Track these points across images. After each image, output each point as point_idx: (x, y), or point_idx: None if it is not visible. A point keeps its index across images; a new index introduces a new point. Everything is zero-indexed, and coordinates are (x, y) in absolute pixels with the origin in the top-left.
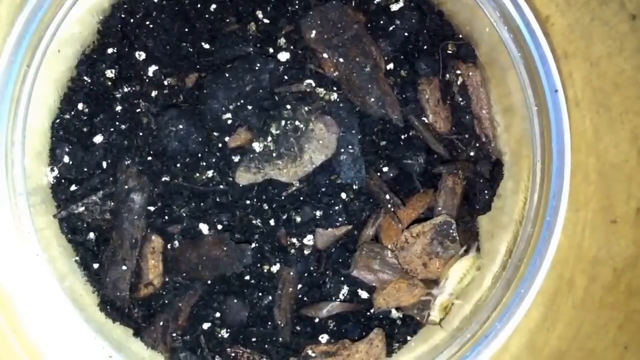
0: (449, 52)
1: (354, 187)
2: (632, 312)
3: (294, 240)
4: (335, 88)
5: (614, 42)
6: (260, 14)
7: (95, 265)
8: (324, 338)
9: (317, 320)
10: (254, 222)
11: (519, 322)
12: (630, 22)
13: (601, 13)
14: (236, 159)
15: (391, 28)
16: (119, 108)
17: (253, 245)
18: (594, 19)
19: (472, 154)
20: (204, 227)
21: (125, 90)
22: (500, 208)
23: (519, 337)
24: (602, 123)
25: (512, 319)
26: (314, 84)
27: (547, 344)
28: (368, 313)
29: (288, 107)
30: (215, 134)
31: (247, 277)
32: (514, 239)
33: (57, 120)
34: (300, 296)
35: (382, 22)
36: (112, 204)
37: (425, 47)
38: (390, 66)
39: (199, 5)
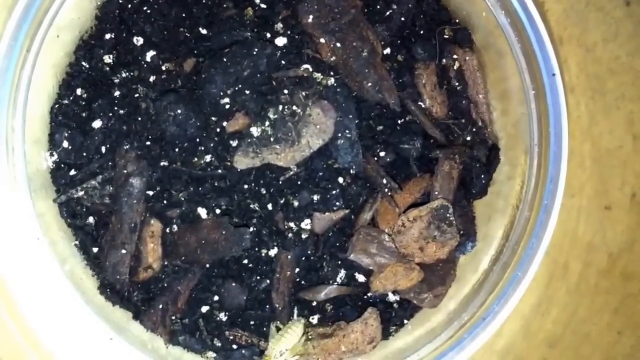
0: (445, 36)
1: (351, 171)
2: (627, 296)
3: (292, 224)
4: (332, 73)
5: (609, 28)
6: None
7: (95, 249)
8: (314, 319)
9: (314, 303)
10: (252, 206)
11: (515, 305)
12: (625, 8)
13: None
14: (234, 143)
15: (388, 13)
16: (117, 93)
17: (251, 229)
18: (588, 5)
19: (468, 138)
20: (202, 212)
21: (124, 75)
22: (497, 192)
23: (513, 323)
24: (597, 109)
25: (509, 302)
26: (311, 69)
27: (541, 329)
28: (365, 296)
29: (285, 92)
30: (213, 118)
31: (245, 261)
32: (511, 222)
33: (56, 106)
34: (297, 280)
35: (378, 6)
36: (111, 188)
37: (422, 31)
38: (387, 51)
39: None
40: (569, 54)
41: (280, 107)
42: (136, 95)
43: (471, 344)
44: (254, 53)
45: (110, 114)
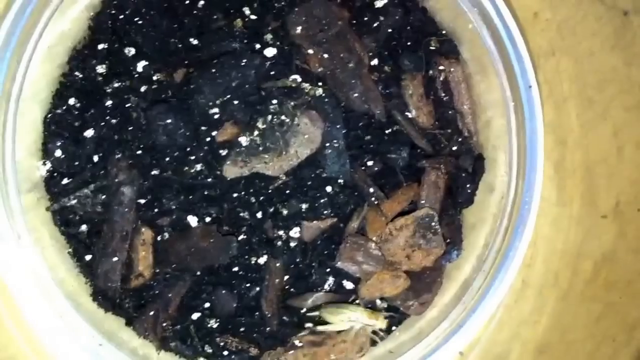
0: (432, 48)
1: (339, 180)
2: (608, 304)
3: (281, 232)
4: (320, 83)
5: (605, 38)
6: (247, 11)
7: (88, 257)
8: (307, 329)
9: (303, 310)
10: (241, 214)
11: (493, 311)
12: (622, 18)
13: (593, 9)
14: (224, 152)
15: (375, 24)
16: (109, 103)
17: (241, 237)
18: (586, 15)
19: (454, 148)
20: (192, 220)
21: (116, 85)
22: (481, 201)
23: (507, 331)
24: (588, 119)
25: (487, 308)
26: (299, 80)
27: (533, 337)
28: (353, 304)
29: (274, 102)
30: (203, 128)
31: (235, 269)
32: (491, 232)
33: (49, 115)
34: (286, 287)
35: (366, 18)
36: (103, 196)
37: (408, 43)
38: (375, 62)
39: (187, 2)
40: (563, 64)
41: (269, 117)
42: (128, 105)
43: (449, 348)
44: (243, 63)
45: (103, 124)
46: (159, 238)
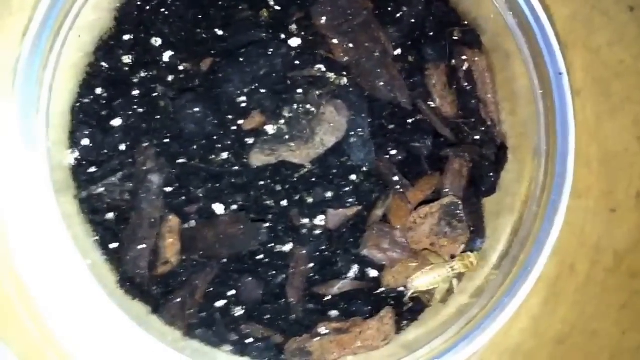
0: (454, 38)
1: (364, 168)
2: (633, 293)
3: (306, 220)
4: (345, 73)
5: (614, 32)
6: (271, 1)
7: (114, 245)
8: (333, 314)
9: (328, 297)
10: (267, 202)
11: (524, 298)
12: (629, 13)
13: (600, 4)
14: (250, 141)
15: (398, 15)
16: (136, 92)
17: (266, 225)
18: (593, 10)
19: (477, 137)
20: (219, 207)
21: (142, 75)
22: (505, 190)
23: (521, 323)
24: (602, 111)
25: (518, 295)
26: (324, 69)
27: (550, 328)
28: (377, 291)
29: (300, 91)
30: (230, 116)
31: (261, 256)
32: (520, 218)
33: (77, 105)
34: (311, 275)
35: (389, 8)
36: (130, 185)
37: (431, 33)
38: (398, 52)
39: None
40: (574, 58)
41: (295, 105)
42: (155, 94)
43: (481, 336)
44: (269, 53)
45: (130, 113)
46: (186, 225)
